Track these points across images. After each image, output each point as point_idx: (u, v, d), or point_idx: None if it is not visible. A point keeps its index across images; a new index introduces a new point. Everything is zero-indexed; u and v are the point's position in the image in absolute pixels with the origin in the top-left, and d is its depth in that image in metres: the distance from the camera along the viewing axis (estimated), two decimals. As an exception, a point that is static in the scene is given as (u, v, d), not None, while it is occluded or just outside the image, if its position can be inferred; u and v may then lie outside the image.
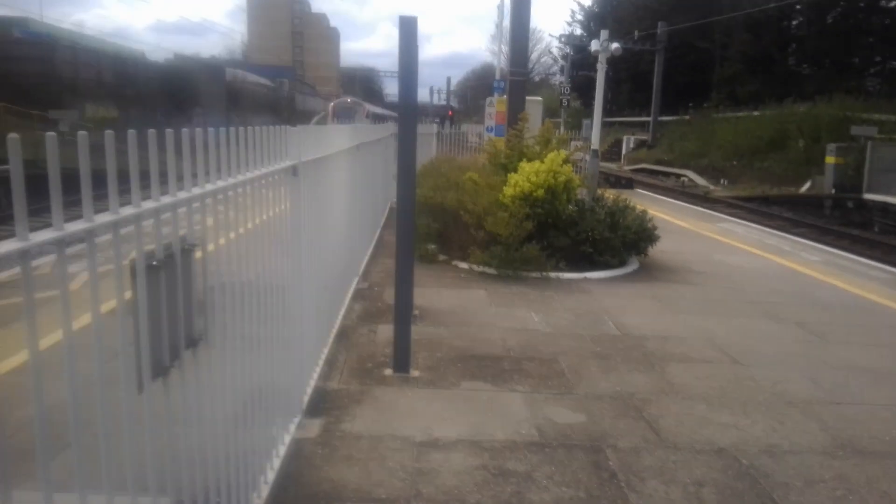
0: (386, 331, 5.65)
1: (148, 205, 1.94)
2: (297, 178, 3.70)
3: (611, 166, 37.25)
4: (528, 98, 14.55)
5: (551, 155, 8.71)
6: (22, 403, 1.31)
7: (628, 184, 25.00)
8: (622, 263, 8.74)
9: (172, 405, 2.15)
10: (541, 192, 8.31)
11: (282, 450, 3.47)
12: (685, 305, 7.18)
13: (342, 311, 5.99)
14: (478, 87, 75.04)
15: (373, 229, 9.50)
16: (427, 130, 17.08)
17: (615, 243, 8.53)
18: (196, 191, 2.30)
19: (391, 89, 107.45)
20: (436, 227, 9.00)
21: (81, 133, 1.58)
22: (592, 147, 15.46)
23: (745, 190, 26.89)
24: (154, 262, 2.00)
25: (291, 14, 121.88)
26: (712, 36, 41.51)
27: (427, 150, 15.95)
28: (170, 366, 2.13)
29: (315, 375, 4.50)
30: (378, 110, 46.33)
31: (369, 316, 6.26)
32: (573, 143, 13.62)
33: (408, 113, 4.99)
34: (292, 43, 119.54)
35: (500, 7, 20.78)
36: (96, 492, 1.67)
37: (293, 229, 3.65)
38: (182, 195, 2.18)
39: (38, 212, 1.98)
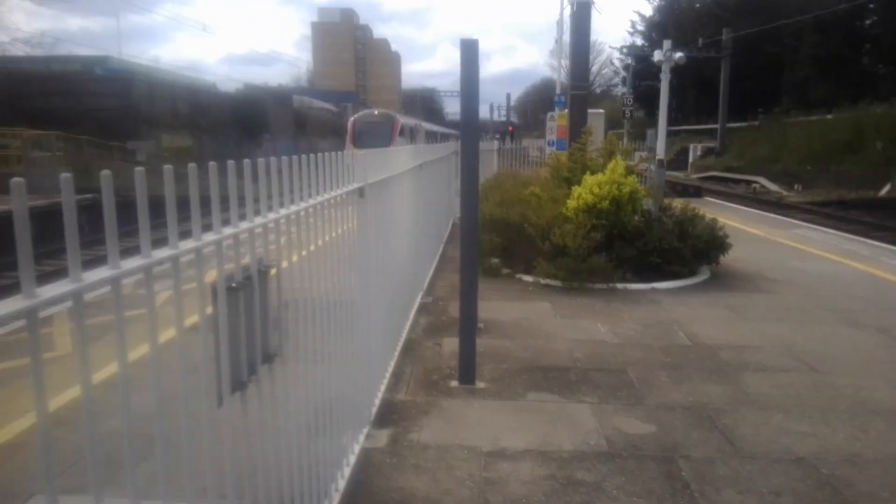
0: (451, 343, 5.73)
1: (228, 230, 2.09)
2: (363, 199, 3.84)
3: (678, 175, 36.39)
4: (589, 111, 14.46)
5: (612, 164, 8.66)
6: (106, 416, 1.44)
7: (696, 192, 24.37)
8: (692, 273, 8.56)
9: (250, 417, 2.28)
10: (605, 204, 8.26)
11: (352, 459, 3.59)
12: (760, 314, 6.98)
13: (408, 325, 6.12)
14: (537, 101, 74.81)
15: (436, 245, 9.63)
16: (488, 147, 17.20)
17: (684, 253, 8.37)
18: (272, 216, 2.45)
19: (451, 108, 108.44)
20: (499, 241, 9.06)
21: (167, 167, 1.73)
22: (658, 157, 15.21)
23: (821, 195, 25.80)
24: (233, 284, 2.14)
25: (354, 41, 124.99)
26: (780, 39, 40.19)
27: (488, 166, 16.06)
28: (247, 381, 2.26)
29: (382, 387, 4.62)
30: (439, 129, 46.28)
31: (434, 329, 6.36)
32: (637, 153, 13.45)
33: (470, 132, 5.09)
34: (355, 68, 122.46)
35: (560, 23, 20.76)
36: (178, 500, 1.80)
37: (360, 247, 3.78)
38: (259, 220, 2.33)
39: (121, 236, 2.15)
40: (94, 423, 1.43)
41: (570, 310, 7.07)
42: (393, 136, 26.84)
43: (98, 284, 1.45)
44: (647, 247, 8.27)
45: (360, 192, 3.81)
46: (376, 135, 25.34)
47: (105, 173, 1.54)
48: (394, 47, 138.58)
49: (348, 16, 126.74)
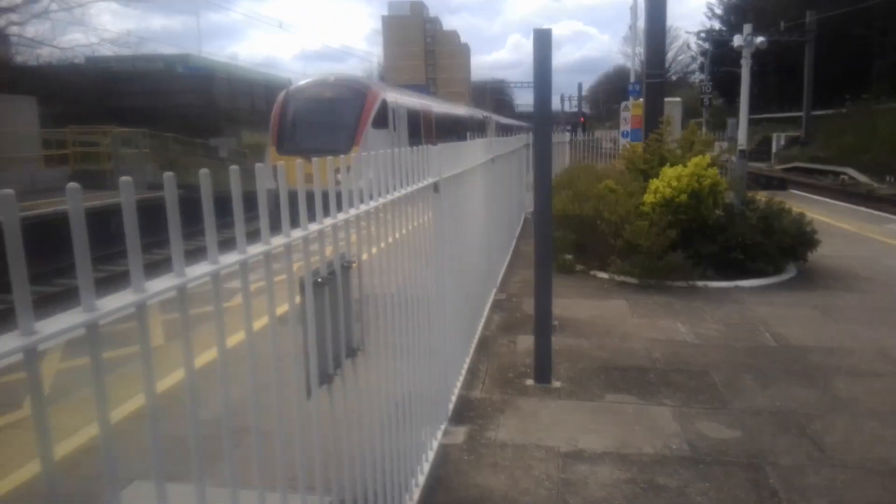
0: (525, 341, 5.68)
1: (314, 227, 2.11)
2: (438, 195, 3.84)
3: (760, 166, 34.92)
4: (666, 100, 14.04)
5: (696, 159, 8.35)
6: (197, 407, 1.47)
7: (781, 184, 23.36)
8: (778, 270, 8.19)
9: (335, 410, 2.32)
10: (684, 198, 7.99)
11: (430, 455, 3.60)
12: (851, 315, 6.61)
13: (482, 322, 6.10)
14: (610, 91, 73.29)
15: (508, 240, 9.57)
16: (559, 139, 16.97)
17: (769, 249, 8.01)
18: (353, 212, 2.47)
19: (521, 100, 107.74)
20: (572, 237, 8.91)
21: (258, 166, 1.76)
22: (739, 147, 14.63)
23: (915, 187, 24.23)
24: (319, 279, 2.17)
25: (424, 33, 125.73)
26: (869, 21, 37.85)
27: (560, 159, 15.84)
28: (333, 374, 2.29)
29: (458, 384, 4.62)
30: (510, 121, 45.63)
31: (508, 326, 6.32)
32: (717, 144, 12.96)
33: (543, 125, 5.02)
34: (425, 61, 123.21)
35: (633, 9, 20.16)
36: (272, 489, 1.84)
37: (436, 243, 3.79)
38: (341, 216, 2.35)
39: (195, 235, 2.21)
40: (195, 413, 1.48)
41: (647, 308, 6.89)
42: (361, 127, 15.34)
43: (199, 279, 1.49)
44: (730, 242, 7.95)
45: (435, 186, 3.81)
46: (323, 126, 15.42)
47: (203, 172, 1.58)
48: (463, 39, 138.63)
49: (418, 9, 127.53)
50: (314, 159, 2.19)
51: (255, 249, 1.76)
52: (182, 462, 1.52)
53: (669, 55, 58.33)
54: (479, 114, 34.14)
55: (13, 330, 1.03)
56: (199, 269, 1.51)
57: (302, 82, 17.87)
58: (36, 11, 30.09)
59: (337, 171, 2.39)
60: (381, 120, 16.43)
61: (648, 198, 8.19)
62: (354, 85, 17.33)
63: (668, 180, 8.14)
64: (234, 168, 1.68)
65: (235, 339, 1.70)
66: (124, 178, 1.23)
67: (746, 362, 5.28)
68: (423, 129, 20.86)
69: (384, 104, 16.74)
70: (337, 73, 19.59)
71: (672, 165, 8.54)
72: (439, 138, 18.37)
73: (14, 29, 30.83)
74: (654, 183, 8.30)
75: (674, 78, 59.80)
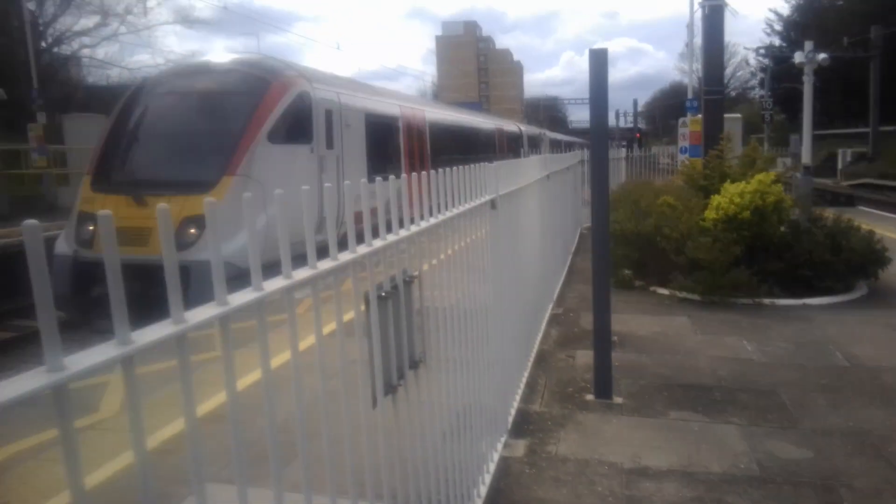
0: (584, 356, 5.62)
1: (378, 243, 2.18)
2: (495, 211, 3.87)
3: (825, 182, 33.67)
4: (726, 116, 13.78)
5: (760, 175, 8.15)
6: (256, 415, 1.53)
7: (848, 201, 22.47)
8: (848, 288, 7.89)
9: (399, 420, 2.36)
10: (747, 214, 7.80)
11: (491, 467, 3.60)
12: (928, 333, 6.30)
13: (539, 336, 6.07)
14: (666, 107, 72.18)
15: (564, 255, 9.51)
16: (615, 155, 16.80)
17: (838, 267, 7.74)
18: (414, 228, 2.53)
19: (575, 116, 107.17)
20: (630, 253, 8.78)
21: (326, 186, 1.83)
22: (803, 163, 14.21)
23: None
24: (383, 293, 2.23)
25: (477, 52, 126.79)
26: (938, 35, 36.17)
27: (616, 175, 15.68)
28: (397, 384, 2.34)
29: (517, 397, 4.61)
30: (564, 138, 45.18)
31: (566, 341, 6.27)
32: (780, 160, 12.62)
33: (600, 142, 5.02)
34: (478, 79, 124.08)
35: (690, 27, 19.74)
36: (343, 496, 1.89)
37: (493, 258, 3.81)
38: (403, 233, 2.41)
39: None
40: (249, 421, 1.54)
41: (711, 325, 6.73)
42: (244, 142, 9.11)
43: (275, 294, 1.56)
44: (797, 260, 7.72)
45: (493, 203, 3.84)
46: (178, 141, 9.57)
47: (278, 193, 1.65)
48: (516, 57, 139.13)
49: (471, 28, 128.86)
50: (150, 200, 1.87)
51: (325, 265, 1.82)
52: (253, 465, 1.58)
53: (728, 71, 57.11)
54: (515, 126, 28.69)
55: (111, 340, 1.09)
56: (275, 285, 1.58)
57: (170, 68, 12.20)
58: (106, 35, 31.74)
59: (190, 224, 2.12)
60: (294, 129, 9.97)
61: (710, 214, 8.02)
62: (251, 71, 10.34)
63: (731, 196, 7.97)
64: (305, 189, 1.75)
65: (304, 345, 1.76)
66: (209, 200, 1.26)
67: (817, 381, 5.10)
68: (410, 145, 14.68)
69: (301, 101, 10.15)
70: (246, 56, 11.24)
71: (733, 182, 8.36)
72: (441, 159, 14.32)
73: (86, 51, 32.61)
74: (716, 199, 8.14)
75: (732, 94, 58.48)
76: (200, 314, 1.30)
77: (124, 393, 1.12)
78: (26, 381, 0.92)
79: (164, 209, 1.19)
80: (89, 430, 4.35)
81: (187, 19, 28.02)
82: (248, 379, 3.62)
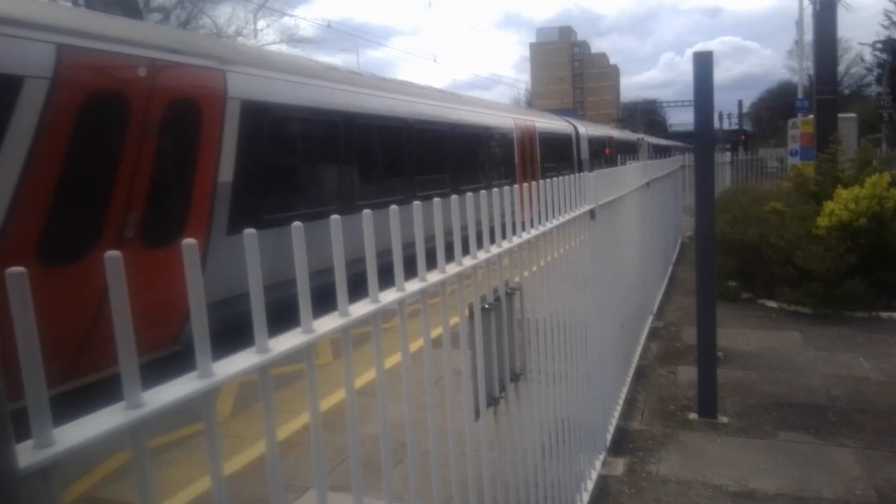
0: (686, 372, 5.45)
1: (482, 255, 2.22)
2: (594, 221, 3.84)
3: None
4: (840, 116, 13.00)
5: (874, 178, 7.65)
6: (365, 421, 1.56)
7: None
8: (979, 302, 7.24)
9: (500, 432, 2.39)
10: (863, 221, 7.34)
11: (589, 485, 3.56)
12: None
13: (638, 350, 5.94)
14: (774, 107, 68.61)
15: (664, 266, 9.24)
16: (720, 159, 16.16)
17: (967, 278, 7.13)
18: (516, 240, 2.55)
19: (674, 119, 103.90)
20: (733, 263, 8.43)
21: (436, 201, 1.90)
22: (928, 164, 13.18)
23: None
24: (486, 305, 2.27)
25: (572, 58, 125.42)
26: None
27: (720, 179, 15.08)
28: (499, 397, 2.37)
29: (616, 414, 4.53)
30: (664, 142, 43.75)
31: (667, 356, 6.09)
32: (902, 161, 11.77)
33: (705, 149, 4.87)
34: (573, 85, 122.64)
35: (800, 23, 18.62)
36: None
37: (592, 269, 3.78)
38: (506, 245, 2.44)
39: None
40: (353, 429, 1.60)
41: (823, 341, 6.35)
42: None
43: (390, 305, 1.63)
44: (920, 271, 7.16)
45: (592, 213, 3.81)
46: None
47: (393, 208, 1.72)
48: (612, 60, 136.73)
49: (566, 34, 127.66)
50: None
51: (433, 277, 1.89)
52: (368, 473, 1.64)
53: (841, 68, 53.53)
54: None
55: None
56: (390, 296, 1.65)
57: None
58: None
59: None
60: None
61: (822, 221, 7.59)
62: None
63: (845, 202, 7.52)
64: (416, 204, 1.81)
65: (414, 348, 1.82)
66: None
67: (946, 405, 4.72)
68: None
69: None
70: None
71: (846, 186, 7.88)
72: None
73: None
74: (829, 205, 7.69)
75: (846, 92, 54.81)
76: (325, 324, 1.39)
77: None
78: (104, 419, 0.90)
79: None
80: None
81: (292, 38, 29.19)
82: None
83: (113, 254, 0.91)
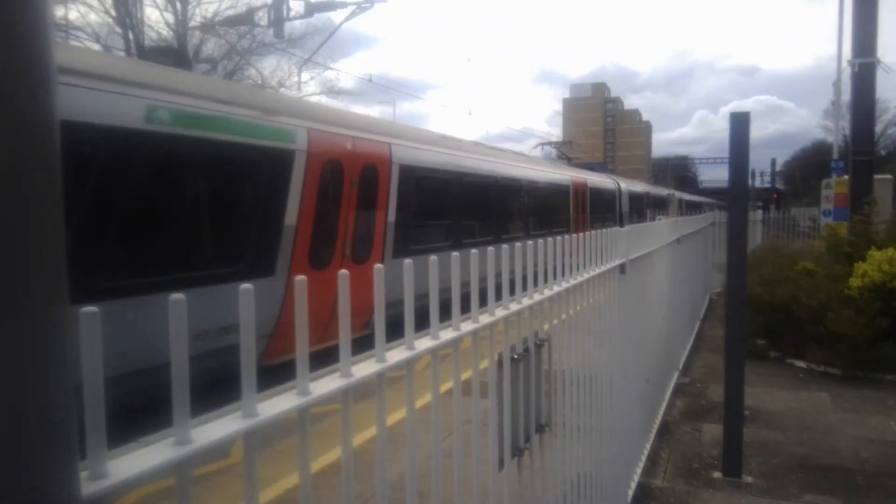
0: (712, 430, 5.41)
1: (514, 306, 2.32)
2: (624, 275, 3.91)
3: None
4: (875, 177, 12.94)
5: (909, 240, 7.61)
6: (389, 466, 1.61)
7: None
8: None
9: (523, 484, 2.43)
10: (896, 284, 7.26)
11: (611, 541, 3.54)
12: None
13: (663, 406, 5.90)
14: (807, 167, 68.13)
15: (692, 322, 9.19)
16: (751, 217, 16.11)
17: None
18: (547, 293, 2.64)
19: (705, 175, 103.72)
20: (763, 321, 8.35)
21: (474, 253, 2.01)
22: (965, 228, 12.98)
23: None
24: (515, 356, 2.35)
25: (604, 113, 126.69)
26: None
27: (751, 236, 15.01)
28: (524, 447, 2.43)
29: (638, 470, 4.51)
30: (695, 198, 43.63)
31: (692, 413, 6.04)
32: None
33: (739, 207, 4.94)
34: (604, 139, 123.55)
35: (837, 84, 18.64)
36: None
37: (619, 323, 3.83)
38: (537, 297, 2.53)
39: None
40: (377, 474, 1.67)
41: (853, 402, 6.25)
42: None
43: (423, 353, 1.73)
44: (954, 336, 7.04)
45: (622, 268, 3.89)
46: None
47: (433, 258, 1.84)
48: (645, 116, 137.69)
49: (600, 90, 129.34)
50: None
51: (467, 327, 1.98)
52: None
53: (878, 129, 53.24)
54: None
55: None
56: (424, 344, 1.75)
57: None
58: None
59: None
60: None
61: (855, 282, 7.53)
62: None
63: (878, 263, 7.47)
64: (433, 259, 1.93)
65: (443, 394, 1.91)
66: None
67: (980, 476, 4.61)
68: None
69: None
70: None
71: (880, 248, 7.83)
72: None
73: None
74: (862, 267, 7.64)
75: (883, 153, 54.31)
76: (362, 370, 1.49)
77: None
78: (153, 455, 0.95)
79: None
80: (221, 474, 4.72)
81: (332, 90, 29.98)
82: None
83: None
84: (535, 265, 2.52)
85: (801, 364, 7.64)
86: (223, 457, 4.83)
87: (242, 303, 1.12)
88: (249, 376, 1.14)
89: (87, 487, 0.84)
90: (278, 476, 4.33)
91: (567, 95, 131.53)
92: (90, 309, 0.89)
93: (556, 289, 2.75)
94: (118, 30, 21.11)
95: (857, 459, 4.88)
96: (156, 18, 22.28)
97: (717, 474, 4.63)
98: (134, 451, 0.95)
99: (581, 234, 3.09)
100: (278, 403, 1.23)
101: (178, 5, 22.32)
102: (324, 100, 28.43)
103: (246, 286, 1.12)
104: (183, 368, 1.01)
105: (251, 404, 1.14)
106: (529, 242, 2.51)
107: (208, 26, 22.46)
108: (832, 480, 4.50)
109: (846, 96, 14.83)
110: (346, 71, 68.85)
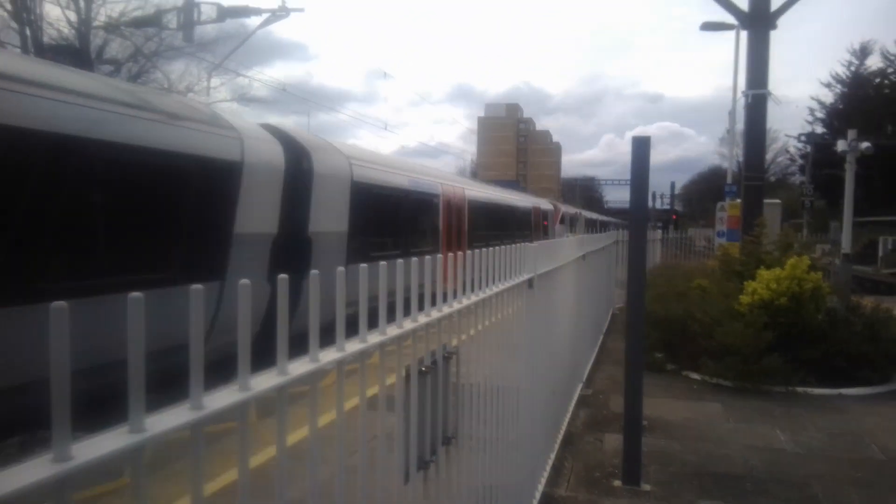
0: (613, 440, 5.60)
1: (422, 319, 2.32)
2: (532, 290, 4.00)
3: (866, 270, 33.09)
4: (766, 201, 13.85)
5: (793, 261, 8.17)
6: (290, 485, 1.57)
7: (889, 289, 22.02)
8: (885, 380, 7.73)
9: (429, 497, 2.43)
10: (783, 301, 7.78)
11: (515, 552, 3.58)
12: (972, 433, 6.12)
13: (567, 417, 6.05)
14: (704, 190, 72.32)
15: (596, 335, 9.51)
16: (651, 236, 16.88)
17: (875, 357, 7.62)
18: (456, 305, 2.67)
19: (611, 196, 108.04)
20: (661, 335, 8.75)
21: (383, 264, 2.01)
22: (843, 251, 14.12)
23: None
24: (423, 368, 2.36)
25: (517, 133, 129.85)
26: None
27: (650, 256, 15.72)
28: (430, 460, 2.43)
29: (543, 480, 4.59)
30: (599, 217, 45.48)
31: (595, 423, 6.24)
32: (819, 246, 12.59)
33: (639, 227, 5.16)
34: (517, 158, 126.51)
35: (732, 114, 19.79)
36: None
37: (526, 335, 3.91)
38: (446, 309, 2.55)
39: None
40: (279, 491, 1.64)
41: (743, 413, 6.64)
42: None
43: (328, 366, 1.70)
44: (834, 349, 7.61)
45: (530, 282, 3.97)
46: None
47: (340, 269, 1.83)
48: (556, 137, 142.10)
49: (513, 110, 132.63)
50: None
51: (374, 339, 1.97)
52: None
53: (768, 156, 57.18)
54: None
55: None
56: (329, 356, 1.72)
57: None
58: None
59: None
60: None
61: (745, 299, 8.02)
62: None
63: (766, 282, 7.98)
64: (340, 270, 1.92)
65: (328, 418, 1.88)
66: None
67: (851, 475, 4.99)
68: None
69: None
70: None
71: (769, 268, 8.38)
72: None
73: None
74: (752, 285, 8.14)
75: (772, 179, 58.47)
76: (262, 383, 1.44)
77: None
78: (29, 472, 0.90)
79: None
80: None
81: (244, 97, 28.98)
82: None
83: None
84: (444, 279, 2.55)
85: (695, 376, 8.04)
86: (116, 477, 4.56)
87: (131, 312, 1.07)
88: (137, 388, 1.08)
89: (52, 469, 0.89)
90: (174, 496, 4.13)
91: (482, 114, 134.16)
92: (59, 304, 0.93)
93: (466, 302, 2.78)
94: (14, 25, 19.78)
95: (746, 467, 5.17)
96: (56, 16, 21.02)
97: (617, 483, 4.78)
98: (5, 469, 0.90)
99: (491, 250, 3.14)
100: (168, 419, 1.16)
101: (82, 3, 21.15)
102: (235, 107, 27.55)
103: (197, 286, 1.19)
104: (64, 382, 0.95)
105: (139, 418, 1.08)
106: (439, 256, 2.53)
107: (113, 26, 21.42)
108: (724, 487, 4.75)
109: (741, 125, 15.80)
110: (258, 78, 67.07)
